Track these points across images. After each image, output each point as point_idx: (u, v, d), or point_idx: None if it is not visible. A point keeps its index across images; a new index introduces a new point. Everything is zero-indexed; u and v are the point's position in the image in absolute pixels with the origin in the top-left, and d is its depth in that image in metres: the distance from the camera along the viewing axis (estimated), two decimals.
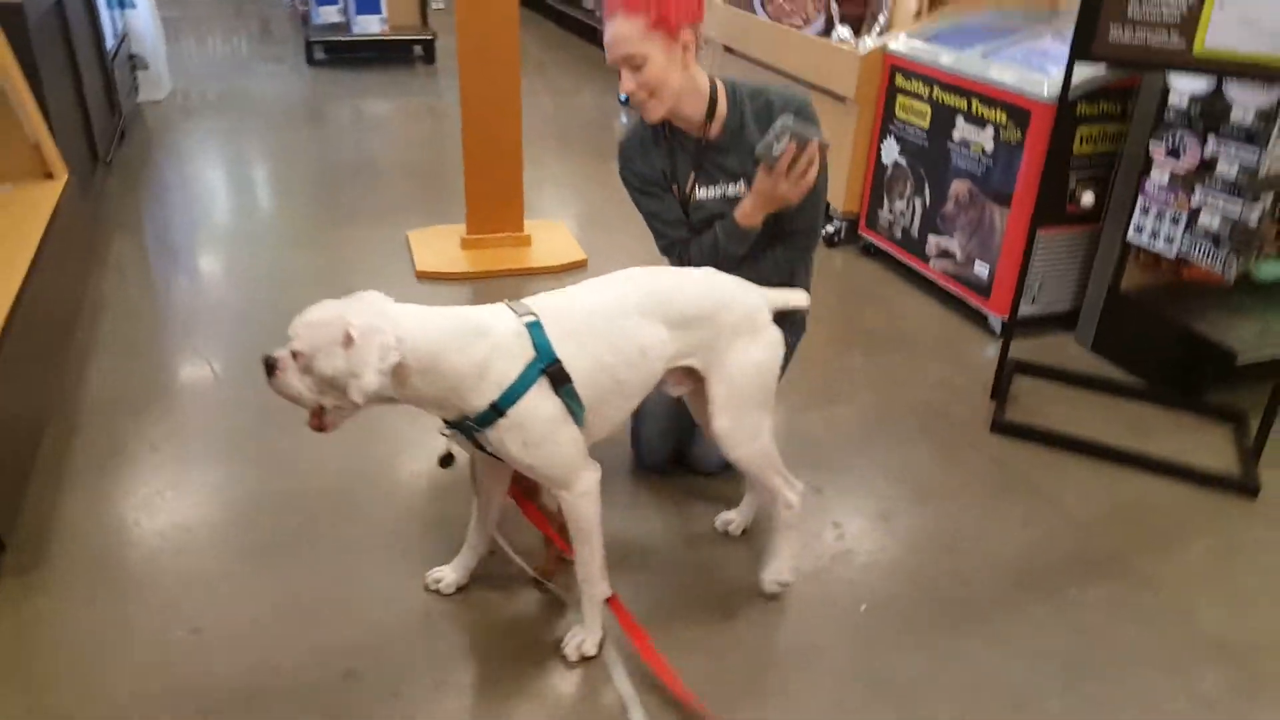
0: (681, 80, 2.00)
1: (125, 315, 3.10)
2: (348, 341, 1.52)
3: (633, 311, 1.75)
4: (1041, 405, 2.79)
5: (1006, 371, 2.81)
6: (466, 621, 1.91)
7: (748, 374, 1.84)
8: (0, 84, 2.81)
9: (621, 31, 1.94)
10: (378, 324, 1.53)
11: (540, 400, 1.63)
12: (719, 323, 1.81)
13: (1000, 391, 2.78)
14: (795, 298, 1.96)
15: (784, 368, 2.22)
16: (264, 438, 2.48)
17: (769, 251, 2.17)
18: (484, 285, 3.42)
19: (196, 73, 6.45)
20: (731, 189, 2.12)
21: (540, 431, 1.64)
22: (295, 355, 1.58)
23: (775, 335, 1.88)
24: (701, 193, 2.14)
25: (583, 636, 1.84)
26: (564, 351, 1.65)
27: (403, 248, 3.67)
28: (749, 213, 2.04)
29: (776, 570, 2.01)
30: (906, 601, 2.03)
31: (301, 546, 2.10)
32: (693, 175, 2.13)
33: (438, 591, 1.98)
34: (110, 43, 4.69)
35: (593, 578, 1.81)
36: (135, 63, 5.47)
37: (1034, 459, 2.53)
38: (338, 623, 1.89)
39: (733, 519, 2.21)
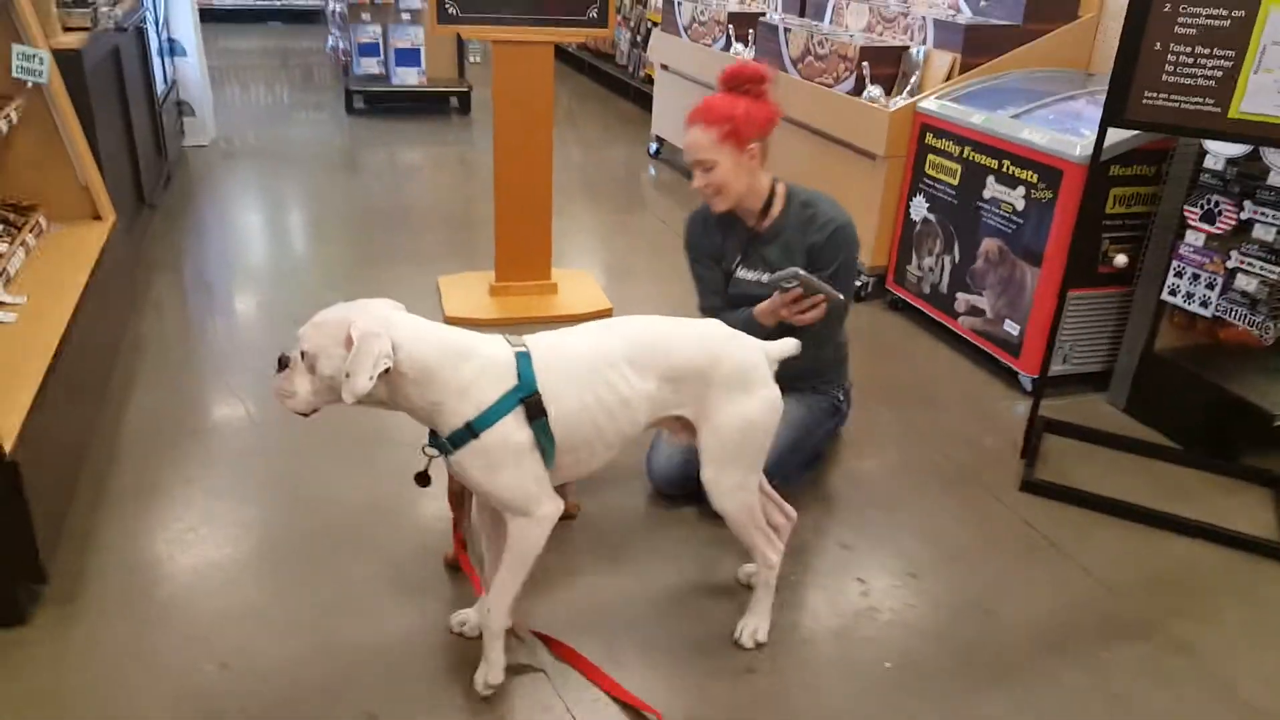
0: (744, 184, 2.33)
1: (163, 353, 3.17)
2: (348, 343, 1.57)
3: (621, 361, 1.78)
4: (1072, 465, 2.76)
5: (1037, 430, 2.79)
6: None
7: (736, 428, 1.85)
8: (56, 128, 2.91)
9: (698, 139, 2.30)
10: (377, 330, 1.58)
11: (513, 428, 1.67)
12: (710, 377, 1.83)
13: (1030, 450, 2.75)
14: (787, 347, 1.97)
15: (823, 441, 2.53)
16: (294, 477, 2.51)
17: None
18: (510, 331, 3.45)
19: (240, 119, 6.64)
20: (766, 276, 2.37)
21: (504, 458, 1.67)
22: (304, 355, 1.63)
23: (770, 394, 1.89)
24: (742, 272, 2.46)
25: (485, 671, 1.82)
26: (545, 386, 1.69)
27: (433, 292, 3.72)
28: (762, 313, 2.31)
29: (754, 629, 2.01)
30: (931, 661, 2.00)
31: (327, 585, 2.11)
32: (739, 257, 2.46)
33: (462, 634, 1.98)
34: (161, 89, 4.85)
35: (502, 607, 1.79)
36: (183, 109, 5.64)
37: (1064, 519, 2.50)
38: (361, 662, 1.89)
39: (754, 570, 2.19)
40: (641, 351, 1.80)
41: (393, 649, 1.94)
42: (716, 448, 1.86)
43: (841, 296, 2.26)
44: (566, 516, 2.28)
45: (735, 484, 1.89)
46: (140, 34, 4.41)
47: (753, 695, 1.88)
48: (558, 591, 2.12)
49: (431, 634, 1.98)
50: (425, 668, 1.90)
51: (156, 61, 4.80)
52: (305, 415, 1.70)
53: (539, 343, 1.76)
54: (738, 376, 1.84)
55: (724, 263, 2.48)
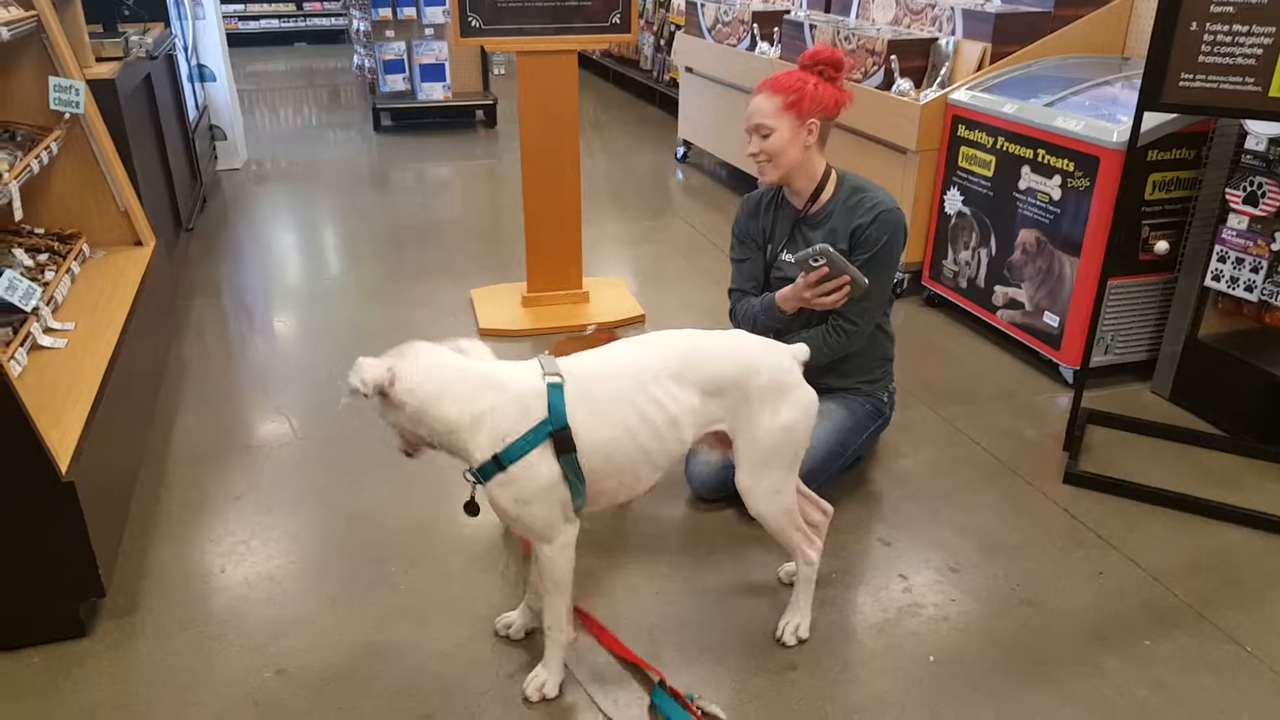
0: (797, 157, 2.33)
1: (206, 374, 3.23)
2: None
3: (665, 377, 1.76)
4: (1116, 456, 2.72)
5: (1079, 422, 2.76)
6: (533, 663, 1.91)
7: (774, 436, 1.83)
8: (94, 156, 2.98)
9: (761, 104, 2.32)
10: (390, 361, 1.67)
11: (541, 461, 1.66)
12: (747, 387, 1.81)
13: (1073, 442, 2.72)
14: (802, 351, 1.94)
15: (867, 445, 2.54)
16: (341, 491, 2.55)
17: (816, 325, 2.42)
18: (544, 342, 3.48)
19: (270, 141, 6.75)
20: (788, 256, 2.42)
21: (532, 491, 1.67)
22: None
23: (805, 395, 1.87)
24: (785, 255, 2.46)
25: (545, 678, 1.84)
26: (576, 418, 1.67)
27: (467, 305, 3.76)
28: (784, 298, 2.35)
29: (795, 626, 2.01)
30: (975, 654, 1.98)
31: (378, 594, 2.14)
32: (785, 239, 2.46)
33: (507, 636, 2.00)
34: (192, 115, 4.95)
35: (559, 623, 1.82)
36: (215, 133, 5.75)
37: (1108, 510, 2.47)
38: (414, 667, 1.92)
39: (794, 569, 2.19)
40: (683, 365, 1.78)
41: (445, 652, 1.96)
42: (753, 455, 1.85)
43: (866, 281, 2.25)
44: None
45: (772, 488, 1.88)
46: (170, 61, 4.51)
47: (795, 692, 1.87)
48: (599, 591, 2.14)
49: (481, 640, 2.00)
50: (478, 673, 1.91)
51: (187, 87, 4.90)
52: (409, 455, 1.81)
53: (577, 369, 1.74)
54: (773, 385, 1.83)
55: (770, 246, 2.49)
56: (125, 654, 1.97)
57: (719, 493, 2.45)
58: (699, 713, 1.80)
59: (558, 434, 1.66)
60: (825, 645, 2.00)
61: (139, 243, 3.15)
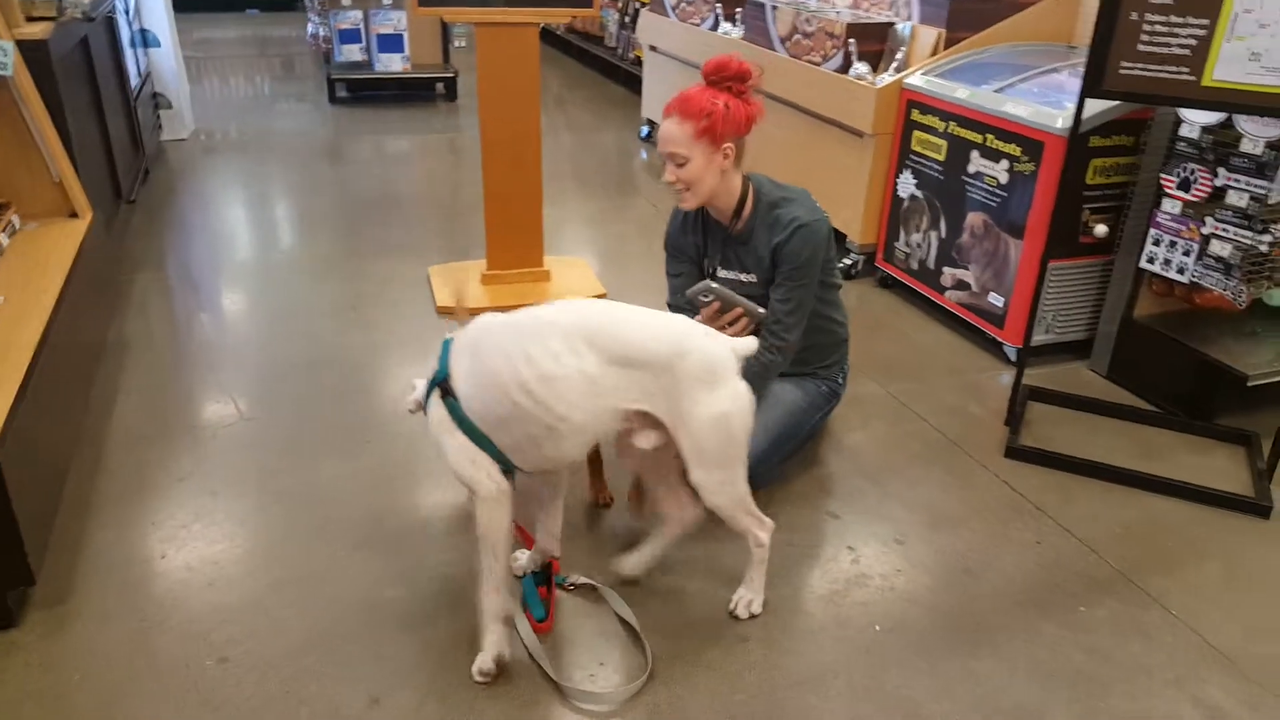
0: (715, 182, 2.27)
1: (149, 352, 3.17)
2: None
3: (552, 337, 1.76)
4: (1055, 431, 2.80)
5: (1020, 398, 2.83)
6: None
7: (711, 428, 1.81)
8: (25, 122, 2.87)
9: (672, 132, 2.22)
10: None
11: (435, 408, 1.85)
12: (675, 371, 1.78)
13: (1014, 418, 2.79)
14: (750, 345, 1.92)
15: (818, 425, 2.57)
16: (288, 472, 2.53)
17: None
18: None
19: (219, 111, 6.60)
20: (745, 277, 2.41)
21: (439, 432, 1.84)
22: None
23: (740, 388, 1.84)
24: (722, 272, 2.45)
25: (482, 652, 1.87)
26: (455, 369, 1.83)
27: (424, 283, 3.73)
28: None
29: (749, 601, 2.05)
30: (920, 623, 2.05)
31: (326, 577, 2.13)
32: (719, 257, 2.45)
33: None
34: (134, 82, 4.80)
35: (486, 591, 1.85)
36: (159, 101, 5.60)
37: (1046, 483, 2.55)
38: (363, 651, 1.92)
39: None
40: (595, 331, 1.77)
41: (394, 637, 1.96)
42: (697, 450, 1.83)
43: (762, 311, 2.27)
44: (602, 505, 2.34)
45: (723, 480, 1.89)
46: (110, 24, 4.36)
47: (746, 662, 1.92)
48: (563, 564, 2.15)
49: (430, 620, 2.01)
50: (426, 653, 1.92)
51: (129, 53, 4.75)
52: None
53: (475, 324, 1.86)
54: (706, 371, 1.79)
55: (706, 262, 2.47)
56: (57, 644, 1.92)
57: None
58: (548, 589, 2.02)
59: (441, 383, 1.82)
60: (776, 617, 2.04)
61: (75, 215, 3.05)
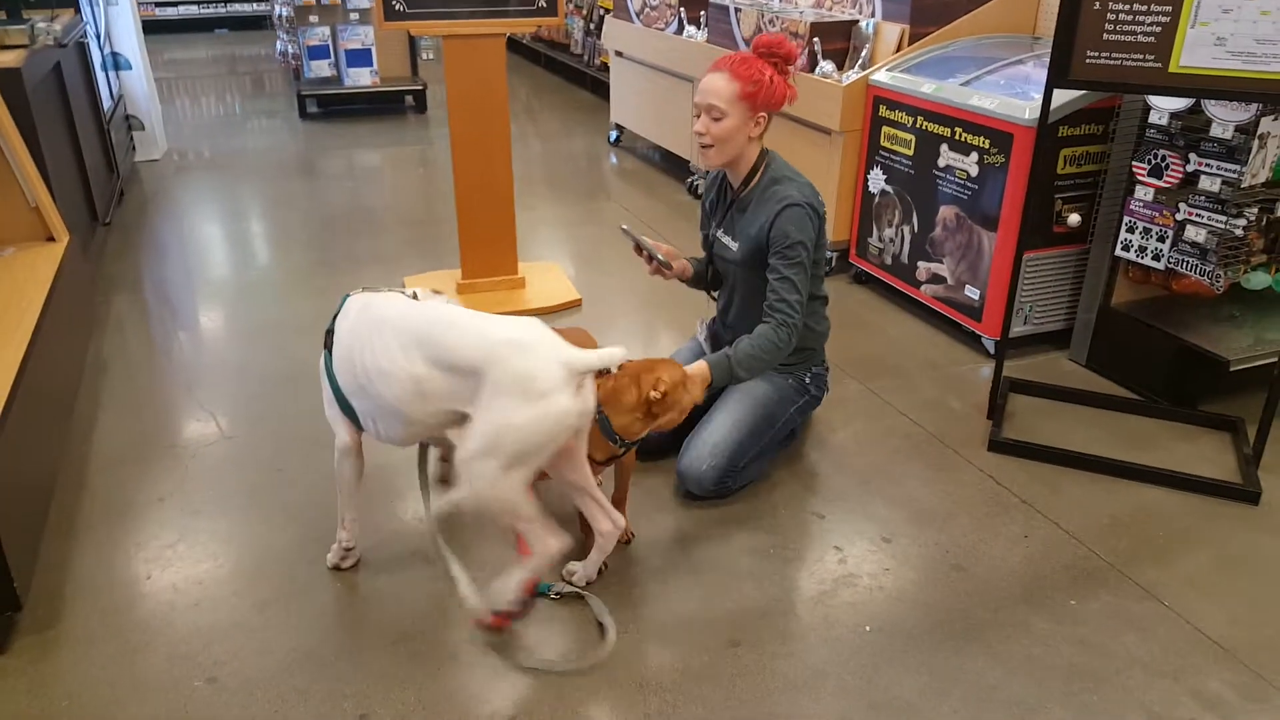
0: (741, 147, 2.36)
1: (128, 372, 3.14)
2: None
3: (390, 333, 1.88)
4: (1037, 422, 2.81)
5: (1001, 391, 2.84)
6: (478, 658, 1.92)
7: (495, 424, 1.75)
8: (0, 149, 2.86)
9: (719, 86, 2.30)
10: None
11: (324, 353, 2.04)
12: (483, 377, 1.76)
13: (996, 411, 2.80)
14: (609, 356, 1.85)
15: (790, 424, 2.60)
16: (271, 489, 2.51)
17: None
18: None
19: (191, 131, 6.56)
20: (731, 244, 2.50)
21: (321, 376, 2.05)
22: None
23: (554, 407, 1.76)
24: (719, 234, 2.55)
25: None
26: (339, 329, 1.99)
27: None
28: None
29: (576, 574, 2.12)
30: (910, 621, 2.04)
31: (313, 595, 2.12)
32: (721, 219, 2.55)
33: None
34: (107, 104, 4.78)
35: (340, 524, 2.15)
36: (131, 123, 5.57)
37: (1031, 475, 2.56)
38: (351, 669, 1.90)
39: (576, 570, 2.14)
40: (415, 332, 1.85)
41: (382, 653, 1.95)
42: (471, 433, 1.79)
43: (659, 254, 2.41)
44: (623, 541, 2.24)
45: (483, 474, 1.77)
46: (82, 49, 4.35)
47: (737, 667, 1.91)
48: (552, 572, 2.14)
49: (417, 633, 1.99)
50: (414, 666, 1.91)
51: (101, 76, 4.73)
52: None
53: (369, 297, 2.00)
54: (514, 382, 1.74)
55: (712, 224, 2.59)
56: (46, 668, 1.90)
57: (711, 490, 2.43)
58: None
59: (327, 331, 2.02)
60: (765, 620, 2.03)
61: (51, 238, 3.04)
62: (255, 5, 11.52)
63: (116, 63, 5.39)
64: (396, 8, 3.29)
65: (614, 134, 6.21)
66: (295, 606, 2.08)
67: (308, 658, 1.93)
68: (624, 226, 2.51)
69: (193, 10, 11.37)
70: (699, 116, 2.34)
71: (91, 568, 2.20)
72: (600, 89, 7.50)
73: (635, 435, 2.05)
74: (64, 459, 2.60)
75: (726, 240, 2.51)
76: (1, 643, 1.95)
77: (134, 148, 5.62)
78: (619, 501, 2.21)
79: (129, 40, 5.41)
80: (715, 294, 2.71)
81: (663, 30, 5.33)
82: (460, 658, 1.92)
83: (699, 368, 2.21)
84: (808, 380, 2.60)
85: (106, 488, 2.50)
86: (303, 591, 2.12)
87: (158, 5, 11.08)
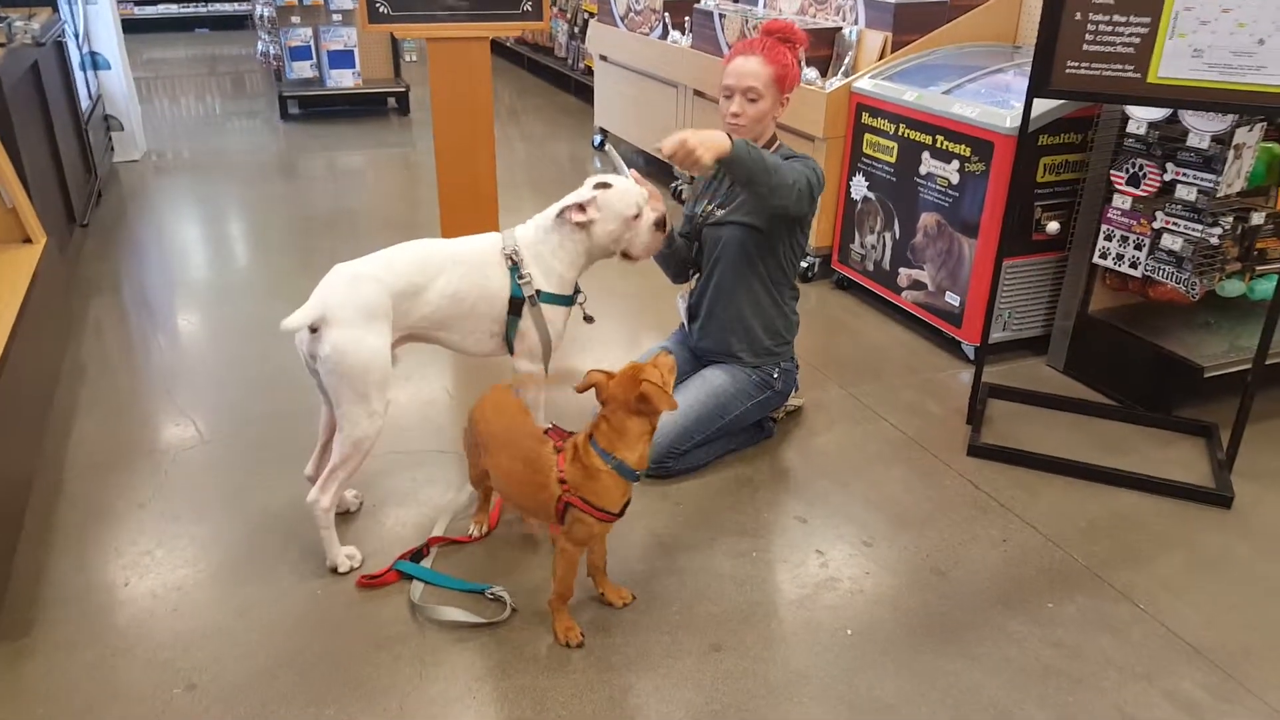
0: (768, 127, 2.52)
1: (106, 376, 3.11)
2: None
3: None
4: (1016, 427, 2.84)
5: (981, 396, 2.87)
6: (461, 664, 1.91)
7: (325, 366, 2.05)
8: None
9: (756, 69, 2.41)
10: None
11: None
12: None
13: (975, 416, 2.83)
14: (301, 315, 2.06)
15: (746, 418, 2.64)
16: (251, 493, 2.49)
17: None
18: None
19: (171, 131, 6.51)
20: (717, 210, 2.60)
21: None
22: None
23: (336, 336, 2.02)
24: (713, 208, 2.63)
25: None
26: None
27: None
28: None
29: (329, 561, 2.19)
30: (890, 624, 2.06)
31: (293, 600, 2.10)
32: (718, 192, 2.63)
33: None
34: (85, 104, 4.74)
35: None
36: (110, 124, 5.52)
37: (1009, 480, 2.58)
38: (332, 674, 1.89)
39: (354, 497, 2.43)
40: None
41: (364, 658, 1.94)
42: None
43: (625, 175, 2.37)
44: (622, 605, 2.11)
45: (343, 416, 2.07)
46: (60, 48, 4.31)
47: (719, 671, 1.91)
48: (521, 584, 2.14)
49: (401, 637, 1.99)
50: (397, 671, 1.90)
51: (79, 76, 4.69)
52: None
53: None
54: (327, 317, 2.03)
55: (701, 201, 2.68)
56: (21, 676, 1.88)
57: (651, 467, 2.48)
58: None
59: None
60: (747, 624, 2.04)
61: (28, 240, 3.01)
62: (235, 5, 11.46)
63: (95, 62, 5.34)
64: (380, 10, 3.29)
65: (598, 138, 6.21)
66: (275, 612, 2.06)
67: (289, 664, 1.92)
68: (608, 146, 2.58)
69: (172, 9, 11.29)
70: (730, 98, 2.44)
71: (68, 574, 2.17)
72: (584, 93, 7.50)
73: (646, 455, 1.93)
74: (40, 464, 2.57)
75: (721, 213, 2.58)
76: None
77: (112, 148, 5.57)
78: (599, 569, 2.09)
79: (108, 39, 5.36)
80: (695, 272, 2.76)
81: (647, 35, 5.34)
82: (443, 665, 1.91)
83: (718, 136, 2.13)
84: (775, 375, 2.63)
85: (84, 493, 2.48)
86: (283, 597, 2.11)
87: (137, 4, 10.99)
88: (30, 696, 1.83)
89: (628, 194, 2.27)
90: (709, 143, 2.09)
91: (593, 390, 1.88)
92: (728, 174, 2.29)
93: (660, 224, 2.33)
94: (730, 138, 2.14)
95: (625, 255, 2.35)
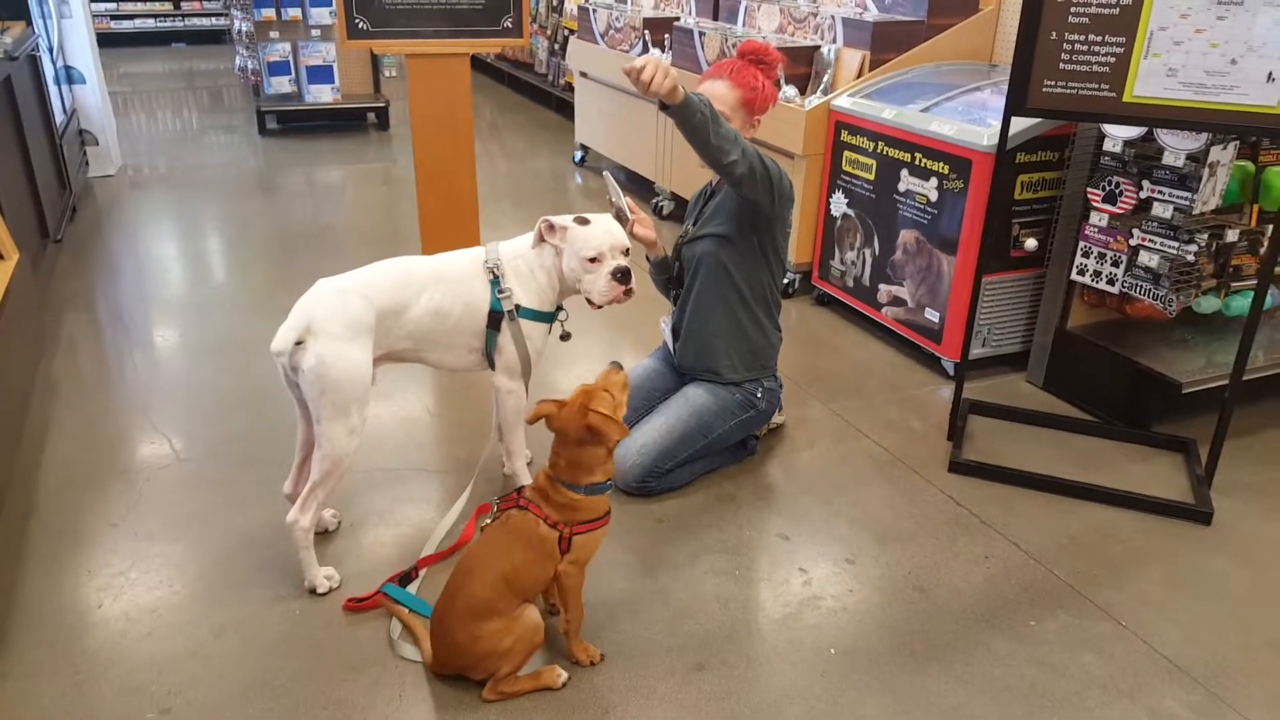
0: None
1: (79, 394, 3.06)
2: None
3: None
4: (996, 444, 2.85)
5: (961, 412, 2.88)
6: (441, 687, 1.89)
7: (306, 379, 2.03)
8: None
9: (722, 93, 2.42)
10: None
11: None
12: None
13: (956, 432, 2.84)
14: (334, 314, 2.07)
15: (729, 437, 2.64)
16: (227, 512, 2.45)
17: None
18: None
19: (147, 146, 6.46)
20: (692, 228, 2.63)
21: None
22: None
23: (319, 349, 2.01)
24: (691, 228, 2.65)
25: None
26: None
27: None
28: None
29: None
30: (874, 643, 2.05)
31: (269, 622, 2.07)
32: (695, 217, 2.67)
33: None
34: (59, 119, 4.69)
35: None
36: (85, 138, 5.47)
37: (990, 496, 2.59)
38: (310, 696, 1.86)
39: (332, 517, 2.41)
40: None
41: (343, 680, 1.91)
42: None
43: (627, 213, 2.40)
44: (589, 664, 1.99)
45: (322, 434, 2.05)
46: (34, 62, 4.27)
47: (703, 692, 1.90)
48: None
49: (379, 659, 1.96)
50: (376, 693, 1.87)
51: (53, 90, 4.65)
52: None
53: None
54: (310, 331, 2.02)
55: (686, 220, 2.72)
56: None
57: (633, 487, 2.52)
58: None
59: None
60: (730, 643, 2.03)
61: (0, 256, 2.96)
62: (213, 20, 11.41)
63: (70, 76, 5.29)
64: (360, 26, 3.28)
65: (579, 154, 6.22)
66: (251, 633, 2.03)
67: (265, 686, 1.88)
68: (605, 173, 2.61)
69: (149, 24, 11.22)
70: None
71: (39, 596, 2.13)
72: (565, 109, 7.51)
73: (611, 466, 1.90)
74: (11, 483, 2.53)
75: (696, 230, 2.61)
76: None
77: (87, 163, 5.52)
78: (571, 634, 1.97)
79: (83, 53, 5.32)
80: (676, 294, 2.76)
81: (627, 52, 5.36)
82: (423, 686, 1.89)
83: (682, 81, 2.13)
84: (759, 395, 2.63)
85: (56, 512, 2.43)
86: (259, 618, 2.08)
87: (112, 18, 10.92)
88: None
89: (591, 238, 2.23)
90: (673, 75, 2.08)
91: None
92: (676, 116, 2.18)
93: (618, 275, 2.23)
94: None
95: (588, 300, 2.29)
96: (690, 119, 2.16)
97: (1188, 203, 2.57)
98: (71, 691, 1.87)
